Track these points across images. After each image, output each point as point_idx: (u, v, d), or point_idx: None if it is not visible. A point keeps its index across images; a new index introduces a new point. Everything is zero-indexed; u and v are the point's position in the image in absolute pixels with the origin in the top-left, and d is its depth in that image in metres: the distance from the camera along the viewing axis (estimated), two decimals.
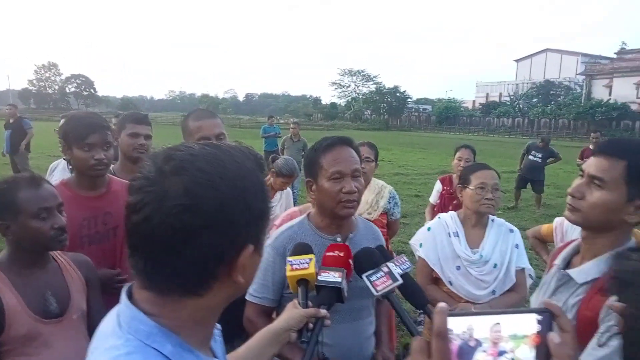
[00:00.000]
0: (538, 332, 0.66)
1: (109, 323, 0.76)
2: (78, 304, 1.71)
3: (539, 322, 0.66)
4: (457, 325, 0.64)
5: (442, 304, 0.64)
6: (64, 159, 3.02)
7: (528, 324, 0.66)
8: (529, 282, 2.35)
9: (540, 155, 9.57)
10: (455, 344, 0.64)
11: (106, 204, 2.14)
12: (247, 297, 1.71)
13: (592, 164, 1.28)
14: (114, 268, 2.15)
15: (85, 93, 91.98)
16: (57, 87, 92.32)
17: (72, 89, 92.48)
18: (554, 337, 0.64)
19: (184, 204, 0.65)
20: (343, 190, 1.59)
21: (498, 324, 0.66)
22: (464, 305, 2.21)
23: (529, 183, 9.72)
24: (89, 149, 2.02)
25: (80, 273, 1.76)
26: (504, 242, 2.29)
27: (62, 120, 2.95)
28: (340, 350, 1.59)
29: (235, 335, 1.50)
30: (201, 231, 0.66)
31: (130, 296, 0.75)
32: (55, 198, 1.67)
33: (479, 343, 0.65)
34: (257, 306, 1.70)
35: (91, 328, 1.76)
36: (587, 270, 1.28)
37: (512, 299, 2.25)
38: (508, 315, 0.66)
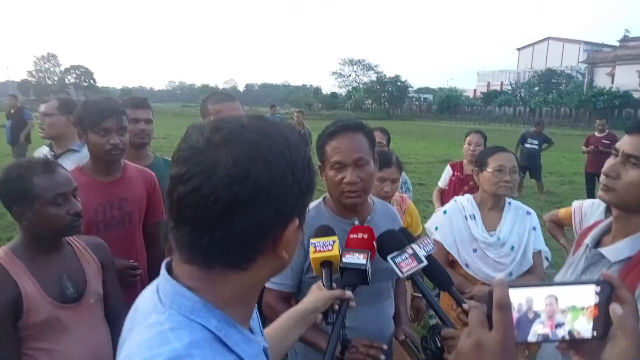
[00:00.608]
0: (596, 304, 0.64)
1: (148, 299, 0.75)
2: (95, 287, 1.70)
3: (598, 293, 0.64)
4: (515, 298, 0.63)
5: (501, 276, 0.63)
6: (46, 145, 2.98)
7: (587, 295, 0.65)
8: (545, 264, 2.34)
9: (536, 142, 9.69)
10: (514, 316, 0.62)
11: (121, 190, 2.13)
12: (266, 284, 1.69)
13: (627, 143, 1.24)
14: (129, 254, 2.14)
15: (84, 84, 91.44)
16: (56, 78, 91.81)
17: (72, 80, 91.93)
18: (616, 308, 0.62)
19: (234, 174, 0.64)
20: (344, 180, 1.56)
21: (552, 296, 0.64)
22: (480, 288, 2.20)
23: (527, 172, 9.74)
24: (105, 134, 2.00)
25: (95, 256, 1.75)
26: (521, 224, 2.29)
27: (42, 106, 2.90)
28: (362, 332, 1.57)
29: None
30: (250, 203, 0.65)
31: (169, 271, 0.74)
32: (70, 183, 1.65)
33: (537, 315, 0.64)
34: (276, 292, 1.68)
35: (108, 311, 1.75)
36: (620, 249, 1.26)
37: (529, 282, 2.24)
38: (567, 287, 0.65)
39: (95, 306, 1.70)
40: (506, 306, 0.59)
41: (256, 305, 0.87)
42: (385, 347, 1.53)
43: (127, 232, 2.14)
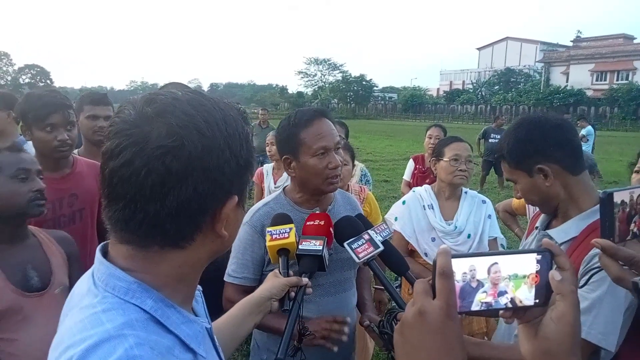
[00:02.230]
0: (537, 272, 0.66)
1: (84, 283, 0.72)
2: (60, 278, 1.67)
3: (539, 262, 0.66)
4: (459, 268, 0.63)
5: (445, 245, 0.63)
6: None
7: (528, 264, 0.66)
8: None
9: (499, 137, 9.85)
10: (457, 285, 0.63)
11: (71, 186, 2.05)
12: (226, 278, 1.66)
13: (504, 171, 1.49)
14: (82, 251, 2.06)
15: (41, 84, 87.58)
16: (9, 78, 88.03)
17: (27, 80, 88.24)
18: (555, 274, 0.64)
19: (167, 145, 0.62)
20: (329, 165, 1.54)
21: (496, 264, 0.65)
22: None
23: (493, 167, 10.00)
24: (51, 130, 1.93)
25: (61, 248, 1.72)
26: (477, 213, 2.35)
27: None
28: None
29: (212, 314, 1.46)
30: (185, 176, 0.63)
31: (105, 255, 0.71)
32: (35, 164, 1.65)
33: (480, 284, 0.65)
34: (236, 286, 1.64)
35: None
36: (566, 230, 1.35)
37: None
38: (508, 256, 0.66)
39: (61, 297, 1.66)
40: (448, 274, 0.59)
41: (200, 287, 0.85)
42: (348, 320, 1.53)
43: (79, 229, 2.06)
